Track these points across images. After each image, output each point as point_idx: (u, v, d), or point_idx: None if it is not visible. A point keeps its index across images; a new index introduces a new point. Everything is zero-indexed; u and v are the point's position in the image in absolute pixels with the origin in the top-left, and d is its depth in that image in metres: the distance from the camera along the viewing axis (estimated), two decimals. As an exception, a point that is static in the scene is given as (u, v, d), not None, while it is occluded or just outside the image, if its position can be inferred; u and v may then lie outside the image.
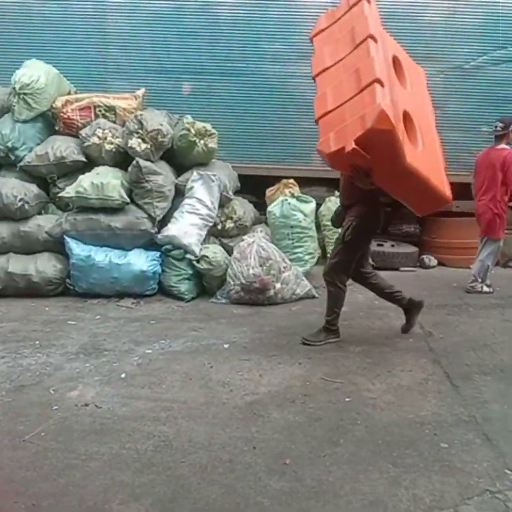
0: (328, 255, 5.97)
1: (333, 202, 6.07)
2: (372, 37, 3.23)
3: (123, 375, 3.26)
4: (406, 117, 3.29)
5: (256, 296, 4.75)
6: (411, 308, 4.11)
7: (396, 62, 3.51)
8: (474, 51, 6.19)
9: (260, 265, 4.74)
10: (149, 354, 3.62)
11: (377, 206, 3.78)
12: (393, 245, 6.50)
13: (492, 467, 2.34)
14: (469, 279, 5.44)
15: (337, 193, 6.13)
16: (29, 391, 3.03)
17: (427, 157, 3.43)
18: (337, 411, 2.85)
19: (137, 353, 3.63)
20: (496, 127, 5.38)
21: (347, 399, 2.98)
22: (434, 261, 6.52)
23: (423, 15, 6.12)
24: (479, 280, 5.38)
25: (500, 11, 6.09)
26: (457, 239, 6.57)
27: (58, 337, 3.94)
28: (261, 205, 6.22)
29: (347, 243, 3.72)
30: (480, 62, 6.19)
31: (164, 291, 5.07)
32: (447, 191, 3.57)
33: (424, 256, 6.53)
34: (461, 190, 6.99)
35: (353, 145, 3.01)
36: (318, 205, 5.90)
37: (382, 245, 6.45)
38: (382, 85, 3.07)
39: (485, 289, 5.38)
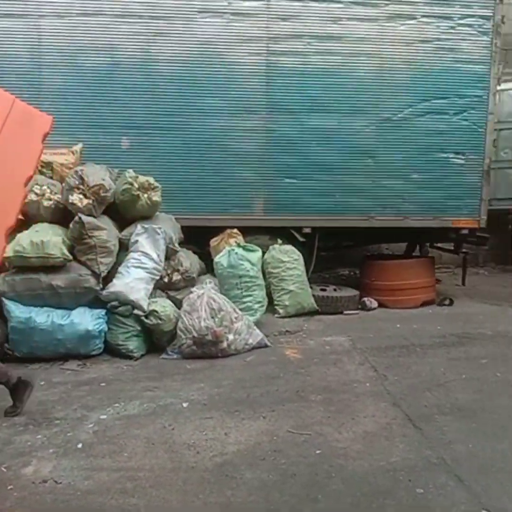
0: (275, 302, 6.08)
1: (277, 250, 6.15)
2: None
3: (79, 445, 3.05)
4: None
5: (209, 349, 4.66)
6: (17, 387, 3.52)
7: None
8: (401, 104, 6.57)
9: (212, 317, 4.67)
10: (104, 420, 3.42)
11: None
12: (335, 289, 6.63)
13: (470, 509, 2.37)
14: None
15: (280, 241, 6.30)
16: (-23, 472, 2.77)
17: None
18: (310, 465, 2.80)
19: (91, 419, 3.42)
20: None
21: (317, 452, 2.94)
22: (375, 303, 6.68)
23: (355, 71, 6.46)
24: None
25: (422, 67, 6.54)
26: (395, 281, 6.79)
27: (1, 408, 3.66)
28: (204, 256, 6.20)
29: None
30: (406, 114, 6.59)
31: (111, 350, 4.86)
32: None
33: (365, 299, 6.68)
34: (391, 234, 7.38)
35: None
36: (262, 253, 5.94)
37: (325, 290, 6.56)
38: None
39: None
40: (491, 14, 6.49)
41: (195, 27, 6.18)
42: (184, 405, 3.63)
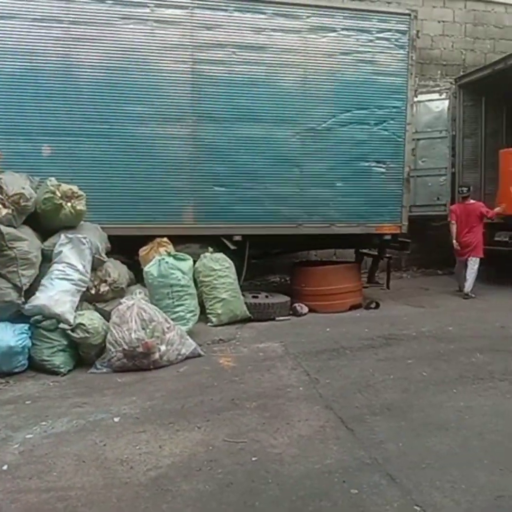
0: (207, 311, 6.04)
1: (208, 258, 6.12)
2: None
3: (5, 467, 2.87)
4: None
5: (140, 361, 4.54)
6: None
7: None
8: (324, 114, 6.74)
9: (143, 328, 4.56)
10: (30, 439, 3.24)
11: None
12: (267, 296, 6.69)
13: (402, 506, 2.44)
14: (467, 290, 7.89)
15: (210, 249, 6.27)
16: None
17: None
18: (247, 473, 2.78)
19: (16, 439, 3.23)
20: (462, 191, 8.33)
21: (253, 459, 2.93)
22: (305, 309, 6.80)
23: (280, 81, 6.57)
24: (471, 289, 7.87)
25: (343, 78, 6.75)
26: (324, 286, 6.95)
27: None
28: (133, 266, 6.07)
29: None
30: (330, 124, 6.78)
31: (36, 366, 4.62)
32: None
33: (296, 305, 6.79)
34: (319, 241, 7.55)
35: None
36: (193, 262, 5.89)
37: (256, 297, 6.60)
38: None
39: (472, 295, 7.84)
40: (407, 28, 6.82)
41: (118, 34, 6.07)
42: (116, 420, 3.51)
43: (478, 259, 8.04)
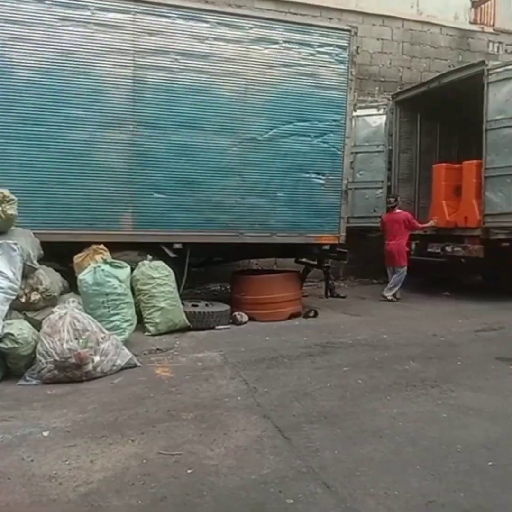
0: (145, 320, 5.92)
1: (147, 266, 6.00)
2: None
3: None
4: None
5: (72, 372, 4.37)
6: None
7: None
8: (266, 125, 6.79)
9: (76, 338, 4.40)
10: (-49, 457, 3.04)
11: None
12: (207, 305, 6.63)
13: (337, 515, 2.45)
14: (385, 293, 8.61)
15: (149, 256, 6.16)
16: None
17: None
18: (181, 486, 2.72)
19: None
20: (390, 201, 9.05)
21: (189, 471, 2.87)
22: (245, 317, 6.78)
23: (222, 90, 6.57)
24: (392, 293, 8.57)
25: (285, 90, 6.83)
26: (264, 294, 6.97)
27: None
28: (67, 273, 5.86)
29: None
30: (271, 135, 6.83)
31: (-40, 379, 4.37)
32: None
33: (236, 313, 6.76)
34: (260, 250, 7.58)
35: None
36: (131, 270, 5.76)
37: (196, 305, 6.53)
38: None
39: (394, 299, 8.53)
40: (347, 44, 7.00)
41: (57, 35, 5.90)
42: (45, 434, 3.35)
43: (404, 268, 8.66)
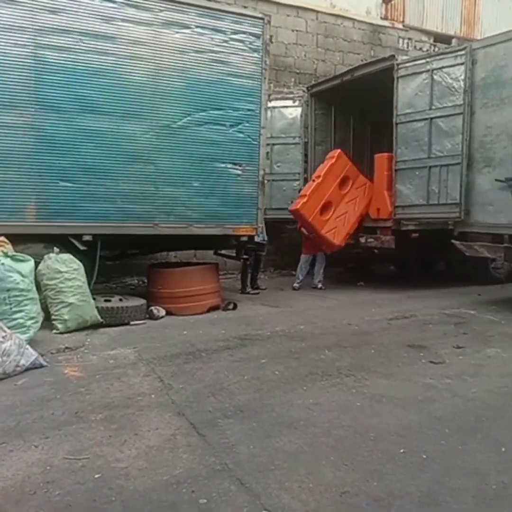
0: (52, 317, 5.58)
1: (53, 260, 5.64)
2: None
3: None
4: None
5: (-31, 376, 4.02)
6: None
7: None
8: (179, 112, 6.58)
9: (-28, 339, 4.05)
10: None
11: None
12: (121, 299, 6.37)
13: (251, 512, 2.37)
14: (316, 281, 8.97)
15: (56, 249, 5.79)
16: None
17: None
18: (88, 492, 2.54)
19: None
20: None
21: (96, 476, 2.69)
22: (162, 312, 6.59)
23: (131, 74, 6.27)
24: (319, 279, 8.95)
25: (198, 77, 6.64)
26: (181, 288, 6.80)
27: None
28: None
29: None
30: (185, 123, 6.62)
31: None
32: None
33: (153, 308, 6.55)
34: (177, 242, 7.39)
35: None
36: (36, 263, 5.40)
37: (109, 300, 6.25)
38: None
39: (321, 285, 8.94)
40: (261, 32, 6.92)
41: None
42: None
43: (323, 254, 9.07)
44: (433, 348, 5.10)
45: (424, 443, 3.04)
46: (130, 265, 9.12)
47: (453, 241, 7.78)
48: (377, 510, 2.38)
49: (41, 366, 4.49)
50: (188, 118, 6.63)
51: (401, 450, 2.95)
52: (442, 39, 13.08)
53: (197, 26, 6.56)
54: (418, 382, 4.14)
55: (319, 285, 8.93)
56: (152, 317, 6.46)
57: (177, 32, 6.46)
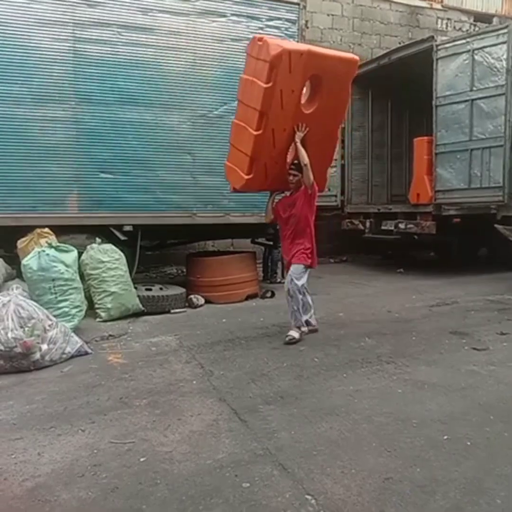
0: (96, 305, 5.72)
1: (95, 250, 5.78)
2: None
3: None
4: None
5: (19, 362, 4.17)
6: None
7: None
8: (216, 101, 6.63)
9: (21, 327, 4.19)
10: None
11: None
12: (161, 288, 6.48)
13: (294, 497, 2.39)
14: None
15: (98, 239, 5.93)
16: None
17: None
18: (134, 475, 2.61)
19: None
20: None
21: (142, 459, 2.77)
22: (201, 300, 6.67)
23: (168, 65, 6.34)
24: None
25: (235, 65, 6.57)
26: (219, 276, 6.86)
27: None
28: (11, 259, 5.59)
29: None
30: (222, 112, 6.65)
31: None
32: None
33: (192, 296, 6.64)
34: (214, 231, 7.43)
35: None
36: (79, 254, 5.55)
37: (150, 289, 6.36)
38: None
39: None
40: (296, 18, 6.87)
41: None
42: (-11, 428, 3.18)
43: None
44: (476, 335, 5.00)
45: (468, 430, 3.00)
46: (169, 254, 9.24)
47: (496, 225, 7.57)
48: (421, 496, 2.37)
49: (86, 353, 4.63)
50: (225, 107, 6.64)
51: (445, 437, 2.92)
52: (482, 18, 12.66)
53: (232, 14, 6.55)
54: (461, 369, 4.07)
55: None
56: (191, 305, 6.54)
57: (214, 21, 6.49)
